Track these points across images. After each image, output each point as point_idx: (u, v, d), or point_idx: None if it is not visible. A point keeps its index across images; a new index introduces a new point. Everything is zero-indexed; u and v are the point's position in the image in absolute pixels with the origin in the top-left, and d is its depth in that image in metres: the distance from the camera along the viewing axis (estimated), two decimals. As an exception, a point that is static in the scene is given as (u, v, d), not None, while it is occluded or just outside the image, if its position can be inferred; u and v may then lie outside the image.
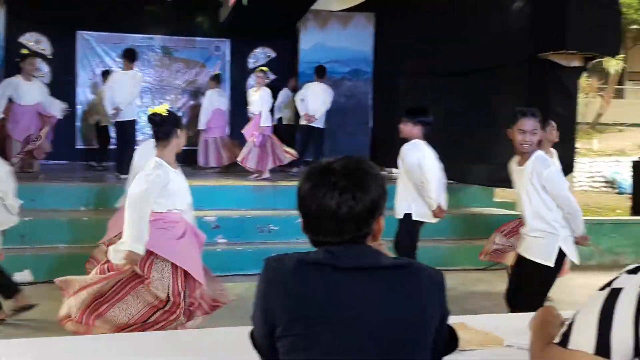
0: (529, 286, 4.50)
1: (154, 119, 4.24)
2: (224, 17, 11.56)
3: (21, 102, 8.84)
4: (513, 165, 4.60)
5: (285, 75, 11.99)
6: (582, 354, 1.36)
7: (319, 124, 10.34)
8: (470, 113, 9.06)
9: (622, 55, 22.16)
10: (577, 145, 9.20)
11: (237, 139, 10.76)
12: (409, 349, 1.65)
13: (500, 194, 9.88)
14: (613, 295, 1.36)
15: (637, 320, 1.32)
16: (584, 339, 1.37)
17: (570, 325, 1.42)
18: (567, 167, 6.77)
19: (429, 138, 6.09)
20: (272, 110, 10.13)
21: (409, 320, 1.66)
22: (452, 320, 1.84)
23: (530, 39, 7.84)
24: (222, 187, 8.81)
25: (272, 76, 11.42)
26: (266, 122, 9.69)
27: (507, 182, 4.94)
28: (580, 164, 17.94)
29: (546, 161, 4.45)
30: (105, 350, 2.44)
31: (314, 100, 10.21)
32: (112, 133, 10.31)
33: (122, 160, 9.01)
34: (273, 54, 12.88)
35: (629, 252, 8.40)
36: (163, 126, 4.23)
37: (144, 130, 11.21)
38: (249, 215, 8.13)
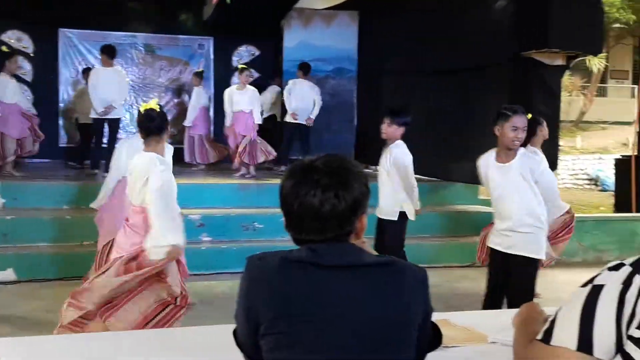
0: (521, 282, 4.54)
1: (151, 114, 4.22)
2: (208, 15, 11.52)
3: (6, 100, 8.77)
4: (490, 162, 4.58)
5: (269, 73, 11.98)
6: (564, 350, 1.37)
7: (300, 119, 10.29)
8: (454, 111, 9.10)
9: (604, 54, 22.34)
10: (561, 143, 9.26)
11: (218, 136, 10.76)
12: (392, 346, 1.65)
13: (485, 191, 9.91)
14: (595, 292, 1.37)
15: (619, 316, 1.32)
16: (566, 335, 1.37)
17: (552, 322, 1.42)
18: (551, 165, 6.80)
19: (413, 136, 6.11)
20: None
21: (392, 317, 1.66)
22: (436, 317, 1.84)
23: (514, 37, 7.87)
24: (207, 186, 8.79)
25: (255, 74, 11.40)
26: (259, 119, 9.78)
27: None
28: (564, 161, 18.07)
29: (537, 156, 4.51)
30: (92, 348, 2.43)
31: (300, 98, 10.18)
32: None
33: (99, 156, 9.01)
34: (257, 52, 12.85)
35: (612, 249, 8.46)
36: (157, 121, 4.23)
37: (127, 128, 11.19)
38: (234, 214, 8.11)
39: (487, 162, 4.61)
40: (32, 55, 11.80)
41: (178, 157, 10.40)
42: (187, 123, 10.95)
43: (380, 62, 10.97)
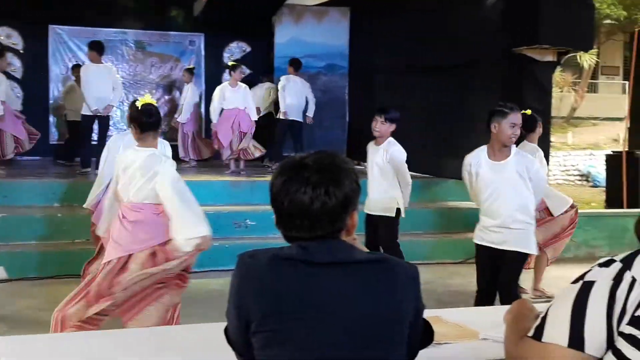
0: (513, 276, 4.67)
1: (150, 109, 4.18)
2: (199, 11, 11.49)
3: (0, 98, 8.71)
4: (482, 160, 4.58)
5: (261, 70, 11.94)
6: (555, 347, 1.37)
7: (297, 116, 10.29)
8: (445, 107, 9.11)
9: (595, 50, 22.41)
10: (552, 139, 9.28)
11: (210, 133, 10.75)
12: (384, 343, 1.65)
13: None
14: (586, 289, 1.37)
15: (609, 312, 1.32)
16: (557, 332, 1.37)
17: (543, 319, 1.42)
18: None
19: (405, 133, 6.13)
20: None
21: (384, 315, 1.65)
22: (428, 314, 1.84)
23: (505, 34, 7.89)
24: (199, 182, 8.74)
25: (247, 71, 11.38)
26: (255, 116, 9.79)
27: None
28: (555, 157, 18.13)
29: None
30: (83, 347, 2.42)
31: (293, 94, 10.15)
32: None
33: (89, 155, 8.98)
34: (248, 49, 12.81)
35: (603, 245, 8.48)
36: (155, 117, 4.19)
37: (117, 125, 11.14)
38: (226, 211, 8.08)
39: (478, 160, 4.60)
40: (22, 52, 11.74)
41: (172, 154, 10.45)
42: (182, 120, 10.94)
43: (371, 59, 10.97)
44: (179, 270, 4.08)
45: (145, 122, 4.10)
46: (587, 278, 1.39)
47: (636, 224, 1.46)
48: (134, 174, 4.04)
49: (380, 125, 5.84)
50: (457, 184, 9.37)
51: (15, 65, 11.54)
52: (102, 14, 11.62)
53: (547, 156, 7.48)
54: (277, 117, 10.41)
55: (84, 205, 5.56)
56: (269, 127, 10.65)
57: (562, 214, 6.08)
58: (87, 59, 9.56)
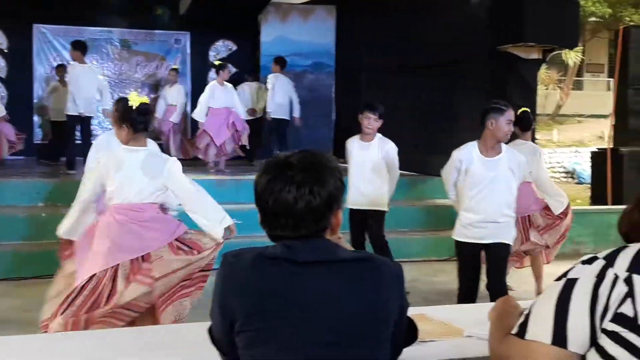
0: (502, 271, 4.79)
1: (146, 109, 4.14)
2: (184, 9, 11.45)
3: None
4: (474, 156, 4.59)
5: (246, 68, 11.91)
6: (539, 345, 1.37)
7: (285, 115, 10.27)
8: (432, 105, 9.13)
9: (580, 48, 22.54)
10: (537, 136, 9.32)
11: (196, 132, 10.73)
12: (368, 342, 1.66)
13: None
14: (569, 286, 1.37)
15: (592, 310, 1.33)
16: (540, 329, 1.38)
17: (527, 316, 1.43)
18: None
19: (392, 131, 6.14)
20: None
21: (369, 313, 1.66)
22: (413, 311, 1.84)
23: (490, 32, 7.92)
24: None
25: (233, 69, 11.35)
26: (244, 115, 9.81)
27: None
28: (541, 154, 18.15)
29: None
30: (80, 347, 2.40)
31: (281, 93, 10.13)
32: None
33: (74, 155, 8.93)
34: (234, 47, 12.78)
35: (588, 242, 8.52)
36: (149, 116, 4.16)
37: (103, 124, 11.09)
38: (211, 210, 8.05)
39: (470, 156, 4.61)
40: (6, 51, 11.66)
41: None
42: (175, 120, 10.94)
43: (358, 57, 10.97)
44: (205, 264, 4.08)
45: (140, 121, 4.05)
46: (570, 275, 1.39)
47: (619, 221, 1.47)
48: (133, 174, 3.96)
49: (374, 122, 5.89)
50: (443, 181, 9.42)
51: (0, 64, 11.46)
52: (87, 13, 11.54)
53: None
54: (264, 116, 10.39)
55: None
56: (256, 126, 10.64)
57: (562, 212, 6.07)
58: (72, 59, 9.49)
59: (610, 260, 1.36)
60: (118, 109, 4.08)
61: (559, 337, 1.35)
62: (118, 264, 3.86)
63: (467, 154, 4.63)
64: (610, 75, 22.53)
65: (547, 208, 6.01)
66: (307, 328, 1.61)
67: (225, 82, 9.64)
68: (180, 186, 4.05)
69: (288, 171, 1.69)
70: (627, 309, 1.30)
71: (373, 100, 6.29)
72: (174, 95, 11.00)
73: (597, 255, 1.40)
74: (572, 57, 22.83)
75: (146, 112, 4.10)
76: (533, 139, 6.56)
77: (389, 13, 9.99)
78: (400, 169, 6.36)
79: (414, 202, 8.85)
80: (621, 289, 1.31)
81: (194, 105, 11.29)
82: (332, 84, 11.74)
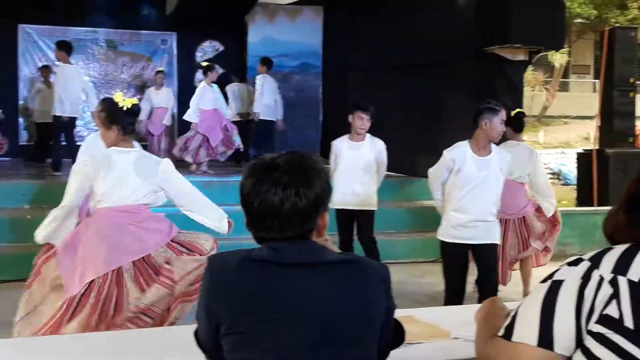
0: (496, 271, 4.90)
1: (138, 110, 4.12)
2: (171, 9, 11.41)
3: None
4: (468, 155, 4.59)
5: (233, 69, 11.89)
6: (525, 346, 1.37)
7: (272, 116, 10.25)
8: (418, 106, 9.14)
9: (566, 49, 22.65)
10: (524, 137, 9.33)
11: (182, 133, 10.70)
12: (354, 344, 1.65)
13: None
14: (554, 288, 1.37)
15: (578, 311, 1.33)
16: (526, 331, 1.38)
17: (513, 318, 1.43)
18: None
19: (379, 132, 6.14)
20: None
21: (355, 315, 1.65)
22: (401, 313, 1.83)
23: (477, 33, 7.95)
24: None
25: (220, 70, 11.33)
26: (230, 116, 9.87)
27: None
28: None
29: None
30: (77, 347, 2.40)
31: (269, 94, 10.12)
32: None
33: (60, 157, 8.88)
34: (221, 48, 12.75)
35: (574, 243, 8.55)
36: (137, 116, 4.14)
37: (88, 125, 11.03)
38: (198, 211, 8.02)
39: (463, 156, 4.59)
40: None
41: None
42: (168, 122, 10.97)
43: (345, 58, 10.98)
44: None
45: (130, 123, 4.03)
46: (556, 277, 1.39)
47: (604, 223, 1.47)
48: (126, 175, 3.91)
49: (366, 123, 5.91)
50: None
51: (-16, 65, 11.39)
52: (73, 13, 11.48)
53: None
54: (252, 117, 10.36)
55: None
56: (244, 128, 10.62)
57: (553, 215, 6.10)
58: (56, 59, 9.43)
59: (595, 261, 1.36)
60: (106, 110, 4.01)
61: (545, 338, 1.35)
62: (120, 268, 3.81)
63: (460, 154, 4.61)
64: (596, 76, 22.70)
65: (538, 209, 6.02)
66: (293, 330, 1.60)
67: (212, 84, 9.64)
68: (177, 186, 4.07)
69: (274, 173, 1.68)
70: (612, 311, 1.30)
71: (361, 101, 6.29)
72: (163, 97, 10.95)
73: (583, 257, 1.40)
74: (558, 58, 22.97)
75: (137, 113, 4.09)
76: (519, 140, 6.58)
77: (376, 14, 10.01)
78: (388, 170, 6.37)
79: (401, 204, 8.86)
80: (606, 290, 1.32)
81: (180, 107, 11.29)
82: (320, 84, 11.74)
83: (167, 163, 4.10)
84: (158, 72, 11.26)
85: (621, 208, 1.43)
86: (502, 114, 4.59)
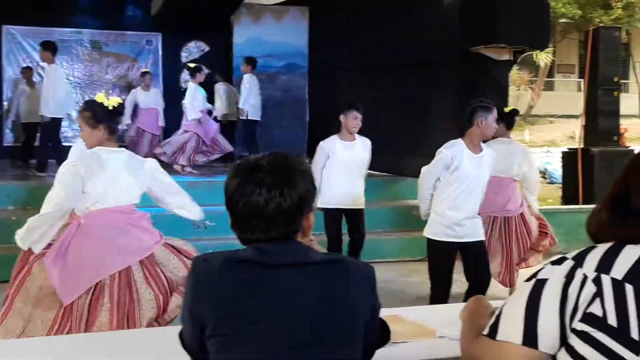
0: (488, 263, 4.95)
1: (122, 109, 4.12)
2: (156, 10, 11.36)
3: None
4: (465, 153, 4.58)
5: (219, 69, 11.84)
6: (510, 345, 1.38)
7: (257, 116, 10.23)
8: (404, 106, 9.16)
9: (551, 49, 22.77)
10: (510, 136, 9.37)
11: (169, 134, 10.66)
12: (340, 343, 1.65)
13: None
14: (538, 286, 1.38)
15: (562, 310, 1.34)
16: (511, 329, 1.38)
17: (498, 317, 1.43)
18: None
19: (365, 131, 6.16)
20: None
21: (340, 315, 1.66)
22: (387, 312, 1.83)
23: (462, 33, 7.96)
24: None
25: (206, 71, 11.29)
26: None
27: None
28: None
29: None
30: (75, 348, 2.39)
31: (256, 94, 10.10)
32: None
33: (46, 158, 8.83)
34: (206, 48, 12.70)
35: (560, 241, 8.55)
36: (121, 115, 4.14)
37: (73, 126, 10.96)
38: (185, 212, 8.00)
39: (461, 153, 4.57)
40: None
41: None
42: (162, 123, 10.91)
43: (331, 58, 10.98)
44: None
45: (117, 122, 4.03)
46: (540, 276, 1.40)
47: (587, 221, 1.47)
48: (119, 174, 3.85)
49: (359, 122, 5.92)
50: (417, 182, 9.45)
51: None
52: (57, 14, 11.42)
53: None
54: (240, 115, 10.32)
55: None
56: (230, 128, 10.61)
57: (542, 223, 6.17)
58: (41, 60, 9.38)
59: (579, 260, 1.37)
60: (92, 110, 3.91)
61: (530, 337, 1.36)
62: (129, 268, 3.78)
63: (458, 151, 4.58)
64: (581, 76, 22.81)
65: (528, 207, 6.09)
66: (279, 331, 1.60)
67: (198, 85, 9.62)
68: (165, 185, 4.12)
69: (258, 173, 1.68)
70: (596, 309, 1.31)
71: (350, 101, 6.28)
72: (153, 98, 10.88)
73: (566, 255, 1.40)
74: (543, 58, 23.09)
75: (121, 112, 4.10)
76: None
77: (361, 14, 10.02)
78: (374, 169, 6.39)
79: (387, 203, 8.87)
80: (590, 289, 1.32)
81: (166, 107, 11.23)
82: (306, 85, 11.73)
83: (153, 162, 4.12)
84: (145, 73, 11.18)
85: (604, 207, 1.44)
86: (495, 112, 4.65)
